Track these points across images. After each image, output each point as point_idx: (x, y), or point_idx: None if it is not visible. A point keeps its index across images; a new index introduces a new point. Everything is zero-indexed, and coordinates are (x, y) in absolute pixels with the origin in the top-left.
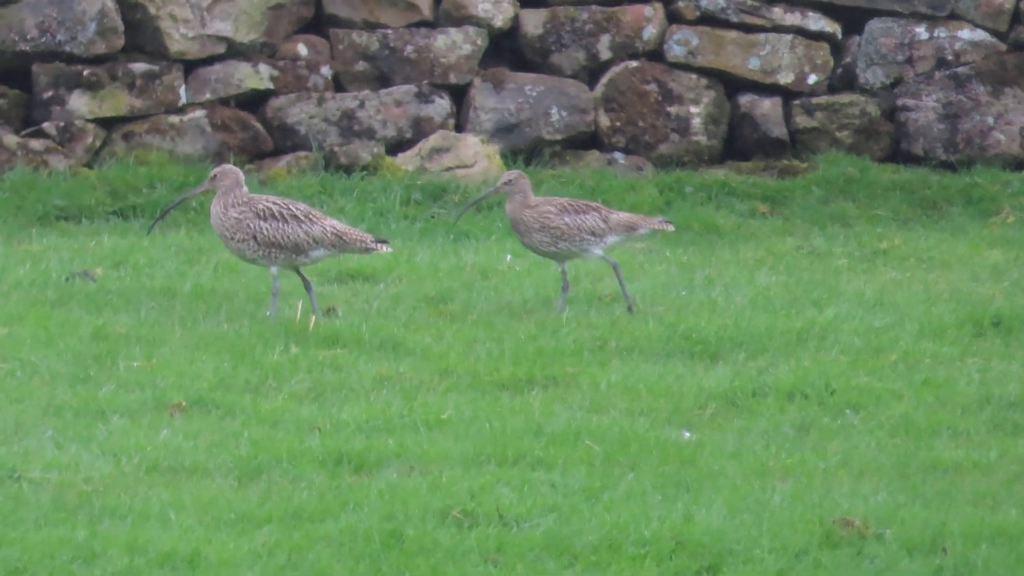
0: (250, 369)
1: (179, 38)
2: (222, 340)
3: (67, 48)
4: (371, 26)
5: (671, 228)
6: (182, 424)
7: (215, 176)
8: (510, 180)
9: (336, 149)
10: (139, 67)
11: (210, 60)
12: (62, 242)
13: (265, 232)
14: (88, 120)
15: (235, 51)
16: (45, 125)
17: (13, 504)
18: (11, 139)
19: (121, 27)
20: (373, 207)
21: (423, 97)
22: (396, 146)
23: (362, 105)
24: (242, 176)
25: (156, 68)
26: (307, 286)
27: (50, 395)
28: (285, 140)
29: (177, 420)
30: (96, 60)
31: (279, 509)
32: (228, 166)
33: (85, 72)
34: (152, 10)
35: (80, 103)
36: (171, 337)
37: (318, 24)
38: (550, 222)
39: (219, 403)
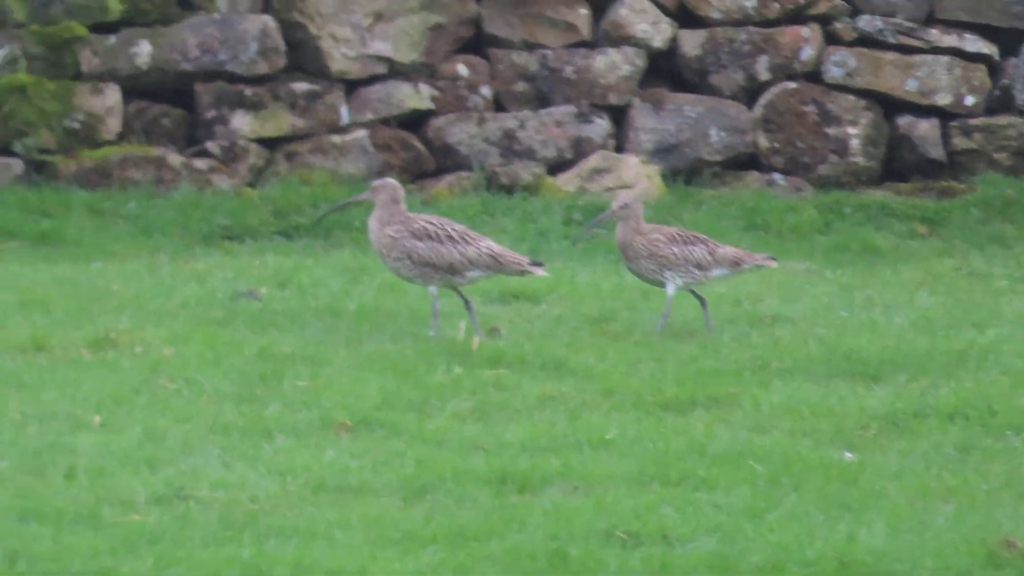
0: (414, 389)
1: (340, 58)
2: (386, 360)
3: (229, 68)
4: (530, 46)
5: (774, 264)
6: (347, 443)
7: (376, 188)
8: (626, 204)
9: (497, 169)
10: (301, 87)
11: (371, 80)
12: (227, 261)
13: (420, 252)
14: (251, 140)
15: (396, 71)
16: (209, 145)
17: (181, 523)
18: (176, 158)
19: (283, 47)
20: (534, 227)
21: (583, 117)
22: (556, 166)
23: (522, 125)
24: (402, 193)
25: (318, 88)
26: (467, 305)
27: (216, 414)
28: (446, 160)
29: (343, 439)
30: (258, 80)
31: (444, 528)
32: (390, 180)
33: (247, 92)
34: (313, 30)
35: (243, 123)
36: (336, 357)
37: (478, 44)
38: (658, 250)
39: (384, 423)
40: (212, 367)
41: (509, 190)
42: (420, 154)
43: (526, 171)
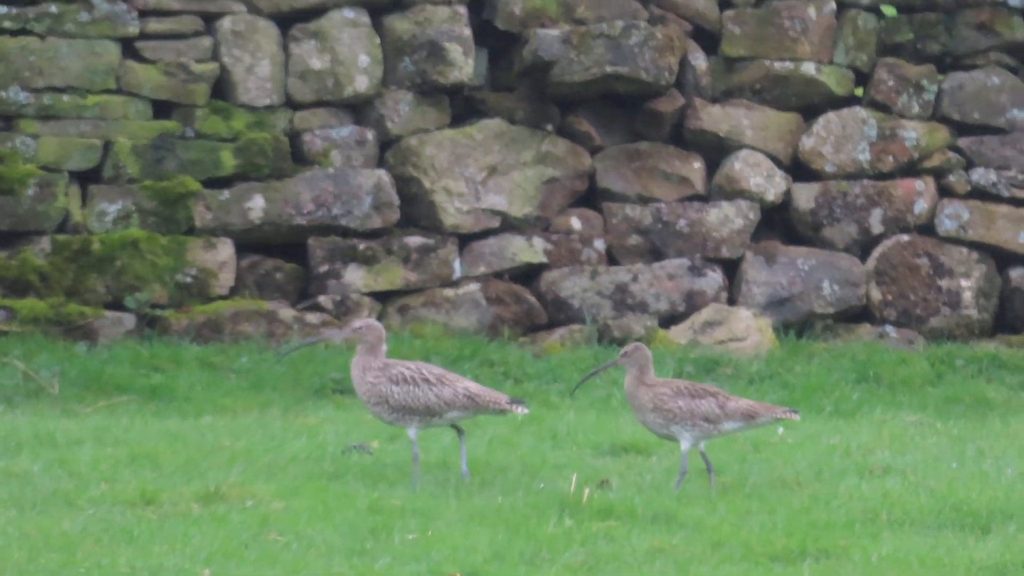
0: (525, 541)
1: (454, 212)
2: (497, 513)
3: (343, 222)
4: (644, 200)
5: (796, 417)
6: None
7: (359, 330)
8: (626, 353)
9: (610, 322)
10: (414, 241)
11: (484, 234)
12: (338, 415)
13: (397, 397)
14: (364, 294)
15: (509, 225)
16: (321, 299)
17: None
18: (287, 312)
19: (396, 201)
20: None
21: (696, 271)
22: (669, 319)
23: (635, 279)
24: (384, 335)
25: (431, 242)
26: (460, 435)
27: (326, 568)
28: (559, 313)
29: None
30: (371, 234)
31: None
32: (374, 322)
33: (361, 246)
34: (427, 184)
35: (356, 277)
36: (446, 510)
37: (591, 198)
38: (664, 404)
39: (494, 575)
40: (322, 521)
41: (621, 343)
42: (532, 307)
43: (639, 324)
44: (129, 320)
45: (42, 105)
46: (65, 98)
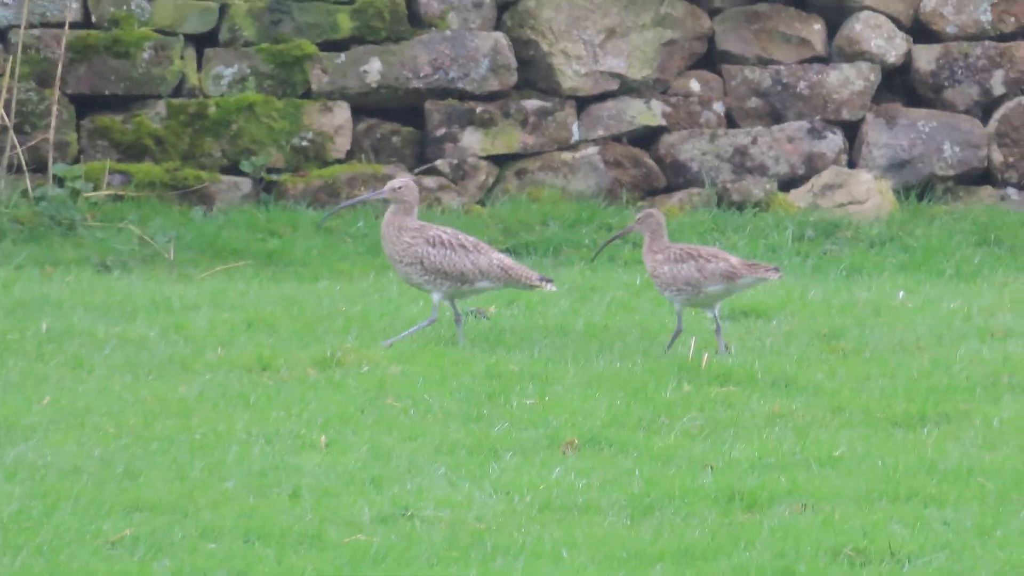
0: (643, 407)
1: (572, 75)
2: (615, 378)
3: (460, 85)
4: (763, 62)
5: (776, 276)
6: (575, 462)
7: (396, 189)
8: (640, 219)
9: (728, 186)
10: (532, 104)
11: (602, 97)
12: None
13: (433, 259)
14: (481, 157)
15: (627, 88)
16: (438, 163)
17: (406, 542)
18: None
19: (514, 64)
20: (765, 243)
21: (815, 133)
22: (788, 182)
23: (754, 141)
24: (418, 196)
25: (549, 105)
26: (457, 319)
27: (443, 433)
28: (677, 177)
29: (570, 458)
30: (488, 97)
31: (671, 547)
32: (409, 181)
33: (478, 109)
34: (545, 47)
35: (473, 140)
36: (564, 375)
37: (710, 60)
38: (655, 270)
39: (612, 441)
40: (439, 386)
41: (740, 206)
42: (651, 171)
43: (758, 187)
44: (245, 184)
45: None
46: None
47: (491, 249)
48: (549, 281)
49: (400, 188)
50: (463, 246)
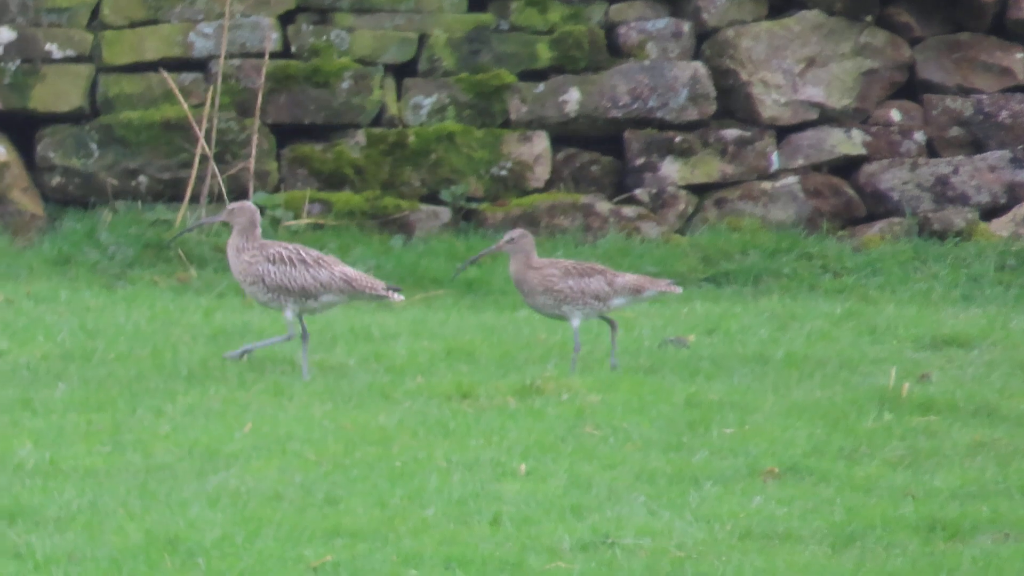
0: (844, 436)
1: (771, 104)
2: (815, 407)
3: (659, 115)
4: (964, 91)
5: (678, 291)
6: (775, 490)
7: (232, 211)
8: (512, 239)
9: (929, 215)
10: (730, 133)
11: (801, 126)
12: (654, 309)
13: (273, 276)
14: (680, 187)
15: (827, 117)
16: (637, 192)
17: (606, 571)
18: (604, 206)
19: (713, 94)
20: (966, 273)
21: (1018, 163)
22: (989, 212)
23: (956, 171)
24: (258, 217)
25: (748, 134)
26: (304, 336)
27: (643, 461)
28: (877, 206)
29: (770, 486)
30: (687, 127)
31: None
32: (247, 204)
33: (677, 139)
34: (744, 76)
35: (672, 170)
36: (764, 404)
37: (910, 89)
38: (553, 285)
39: (812, 470)
40: (638, 414)
41: (941, 236)
42: (851, 200)
43: (959, 217)
44: (444, 213)
45: None
46: None
47: (336, 261)
48: (397, 290)
49: (234, 210)
50: (303, 261)
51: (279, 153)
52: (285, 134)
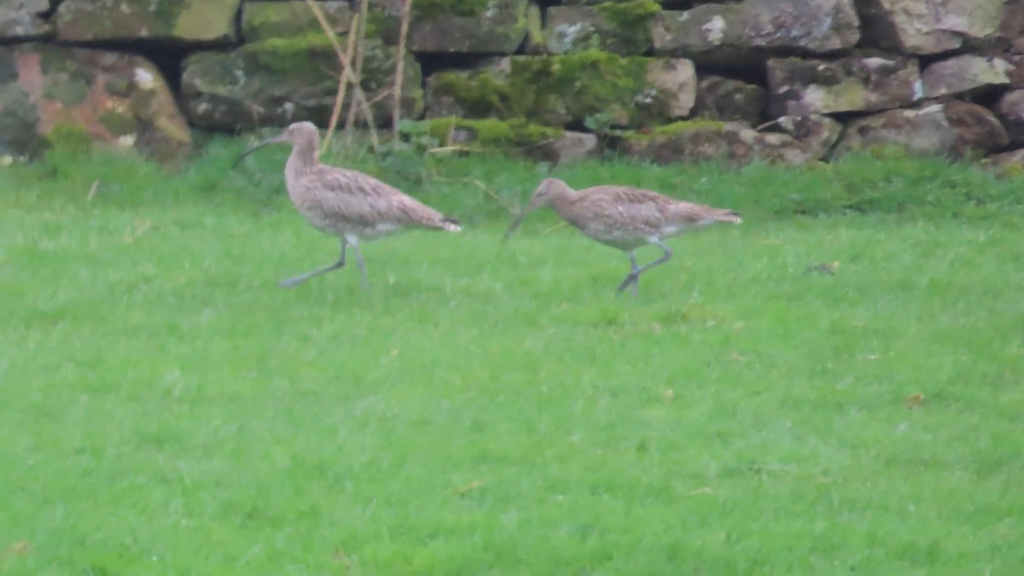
0: (988, 362)
1: (913, 33)
2: (959, 334)
3: (802, 43)
4: None
5: (737, 220)
6: (920, 417)
7: (292, 131)
8: (540, 193)
9: None
10: (873, 62)
11: (944, 55)
12: (799, 236)
13: (331, 203)
14: (823, 115)
15: (969, 46)
16: (781, 120)
17: (752, 496)
18: (748, 133)
19: (856, 22)
20: None
21: None
22: None
23: None
24: (317, 139)
25: (890, 63)
26: (339, 264)
27: (787, 388)
28: (1020, 134)
29: (915, 413)
30: (830, 55)
31: (1019, 503)
32: (307, 125)
33: (820, 67)
34: (886, 5)
35: (815, 98)
36: (908, 330)
37: None
38: (603, 210)
39: (957, 396)
40: (783, 341)
41: None
42: (994, 128)
43: None
44: (589, 140)
45: None
46: None
47: (393, 191)
48: (454, 222)
49: (293, 130)
50: (361, 188)
51: (424, 81)
52: (430, 62)
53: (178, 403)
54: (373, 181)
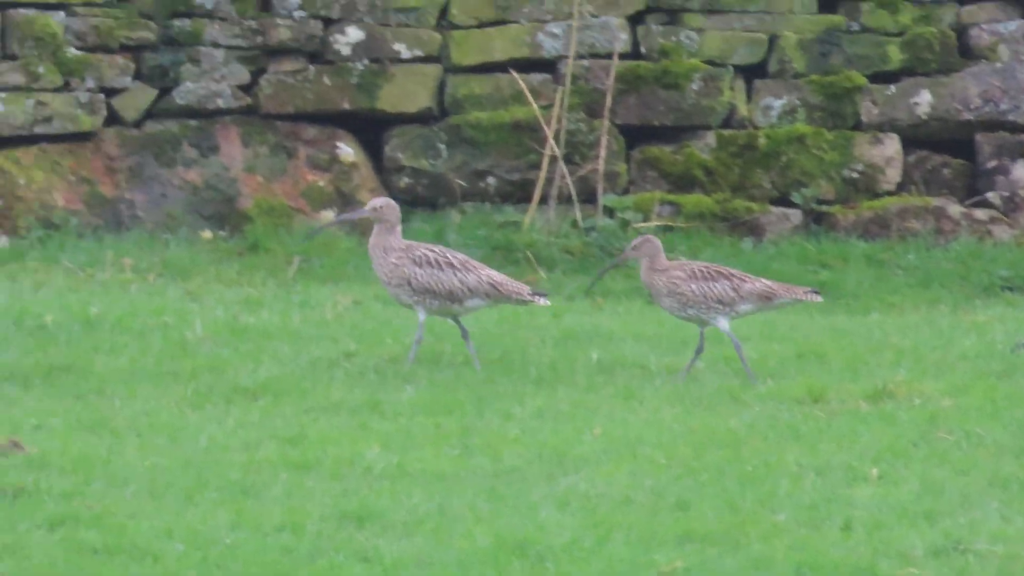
0: None
1: None
2: None
3: (1010, 117)
4: None
5: (818, 299)
6: None
7: (378, 208)
8: (635, 246)
9: None
10: None
11: None
12: (1007, 313)
13: (420, 279)
14: None
15: None
16: (989, 195)
17: None
18: (955, 209)
19: None
20: None
21: None
22: None
23: None
24: (399, 215)
25: None
26: (464, 335)
27: (995, 467)
28: None
29: None
30: None
31: None
32: (391, 200)
33: None
34: None
35: (1023, 173)
36: None
37: None
38: (677, 287)
39: None
40: (991, 419)
41: None
42: None
43: None
44: (795, 216)
45: None
46: None
47: (481, 266)
48: (542, 295)
49: (381, 207)
50: (450, 264)
51: (628, 154)
52: (633, 135)
53: (379, 480)
54: (461, 256)
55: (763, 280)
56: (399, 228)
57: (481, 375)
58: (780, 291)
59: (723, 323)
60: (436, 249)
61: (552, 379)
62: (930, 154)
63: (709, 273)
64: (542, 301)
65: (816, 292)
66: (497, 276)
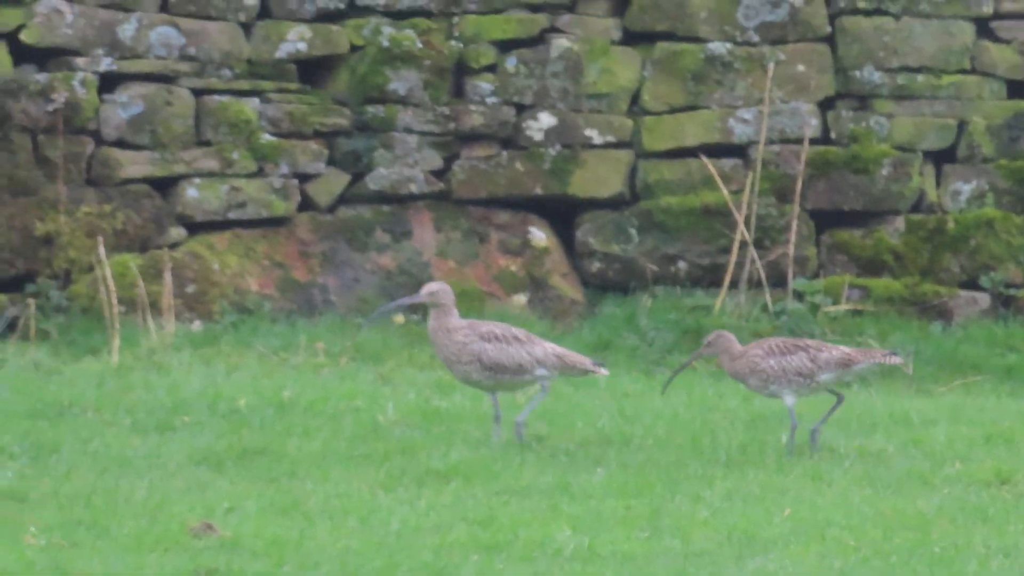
0: None
1: None
2: None
3: None
4: None
5: (898, 361)
6: None
7: (434, 292)
8: (709, 343)
9: None
10: None
11: None
12: None
13: (491, 354)
14: None
15: None
16: None
17: None
18: None
19: None
20: None
21: None
22: None
23: None
24: (454, 296)
25: None
26: (497, 418)
27: None
28: None
29: None
30: None
31: None
32: (445, 284)
33: None
34: None
35: None
36: None
37: None
38: (757, 366)
39: None
40: None
41: None
42: None
43: None
44: (983, 299)
45: (896, 85)
46: (919, 78)
47: (541, 339)
48: (602, 365)
49: (436, 291)
50: (516, 338)
51: (818, 239)
52: (823, 220)
53: (569, 562)
54: (522, 330)
55: (841, 347)
56: (455, 310)
57: (671, 457)
58: (858, 356)
59: (789, 398)
60: (500, 325)
61: (742, 461)
62: None
63: (786, 347)
64: (602, 371)
65: (895, 354)
66: (560, 348)
